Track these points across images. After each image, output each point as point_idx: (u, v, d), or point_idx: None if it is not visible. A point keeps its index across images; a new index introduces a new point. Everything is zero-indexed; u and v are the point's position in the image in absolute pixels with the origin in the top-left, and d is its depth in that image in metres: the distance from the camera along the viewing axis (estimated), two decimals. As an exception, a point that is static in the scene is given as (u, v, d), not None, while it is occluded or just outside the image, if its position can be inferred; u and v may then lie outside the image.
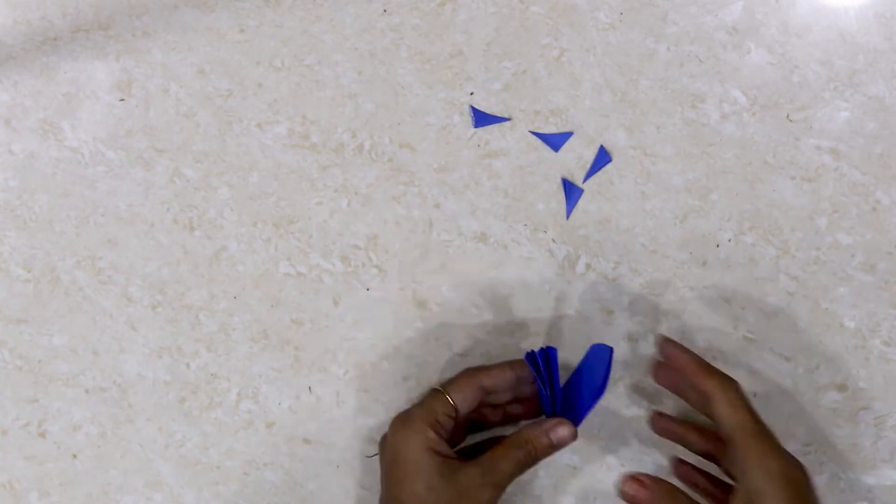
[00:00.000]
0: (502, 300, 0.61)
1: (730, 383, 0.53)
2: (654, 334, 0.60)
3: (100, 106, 0.65)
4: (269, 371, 0.62)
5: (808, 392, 0.60)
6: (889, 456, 0.60)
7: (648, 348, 0.61)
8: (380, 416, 0.62)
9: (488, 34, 0.63)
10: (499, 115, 0.63)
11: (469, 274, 0.62)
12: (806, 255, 0.61)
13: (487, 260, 0.62)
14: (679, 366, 0.55)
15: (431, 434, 0.54)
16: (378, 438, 0.62)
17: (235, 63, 0.64)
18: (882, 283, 0.60)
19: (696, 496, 0.53)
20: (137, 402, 0.63)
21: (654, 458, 0.60)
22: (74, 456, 0.63)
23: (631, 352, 0.61)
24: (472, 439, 0.59)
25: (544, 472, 0.61)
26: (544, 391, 0.55)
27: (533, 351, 0.56)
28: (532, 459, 0.55)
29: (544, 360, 0.56)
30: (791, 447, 0.59)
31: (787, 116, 0.61)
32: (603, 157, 0.62)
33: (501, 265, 0.62)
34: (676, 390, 0.56)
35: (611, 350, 0.56)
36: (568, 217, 0.62)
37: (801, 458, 0.59)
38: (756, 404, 0.60)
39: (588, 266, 0.61)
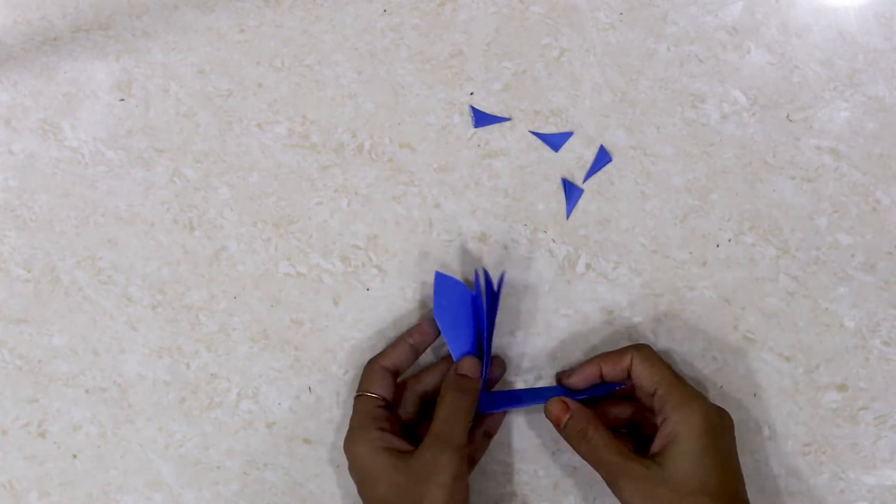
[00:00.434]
0: (502, 300, 0.61)
1: (642, 346, 0.56)
2: (654, 334, 0.60)
3: (100, 106, 0.65)
4: (269, 371, 0.62)
5: (808, 392, 0.60)
6: (889, 456, 0.60)
7: (648, 348, 0.61)
8: (380, 416, 0.62)
9: (488, 34, 0.63)
10: (499, 115, 0.63)
11: (469, 274, 0.62)
12: (806, 255, 0.61)
13: (487, 260, 0.62)
14: (588, 373, 0.57)
15: (373, 433, 0.55)
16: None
17: (235, 63, 0.64)
18: (882, 283, 0.60)
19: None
20: (137, 402, 0.63)
21: (654, 458, 0.60)
22: (74, 456, 0.63)
23: (631, 352, 0.61)
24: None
25: (544, 472, 0.61)
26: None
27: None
28: (458, 402, 0.55)
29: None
30: (791, 447, 0.59)
31: (787, 116, 0.61)
32: (603, 157, 0.62)
33: (501, 265, 0.62)
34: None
35: (477, 273, 0.59)
36: (568, 217, 0.62)
37: (800, 458, 0.59)
38: (756, 404, 0.60)
39: (588, 266, 0.61)
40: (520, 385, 0.61)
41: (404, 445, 0.55)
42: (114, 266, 0.63)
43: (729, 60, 0.62)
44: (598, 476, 0.59)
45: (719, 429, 0.54)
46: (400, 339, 0.59)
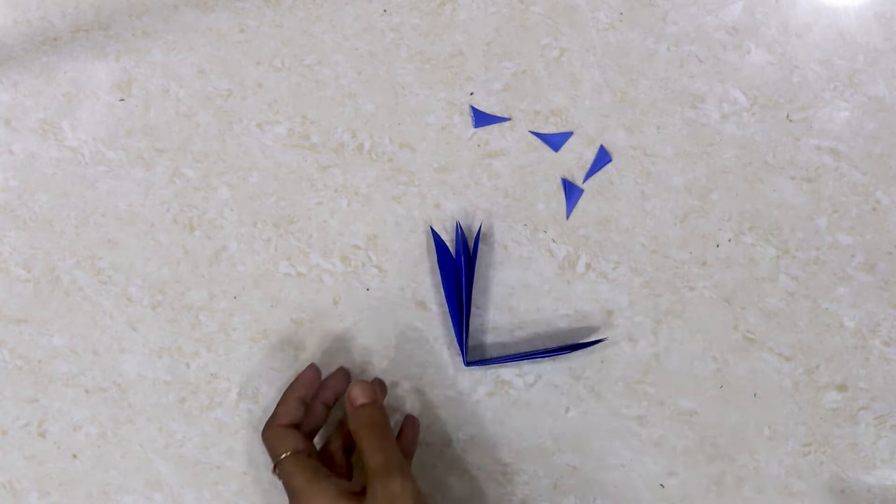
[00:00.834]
0: (502, 300, 0.61)
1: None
2: (654, 334, 0.60)
3: (100, 106, 0.65)
4: (269, 371, 0.62)
5: (808, 392, 0.60)
6: (889, 456, 0.60)
7: (648, 348, 0.61)
8: (380, 416, 0.62)
9: (488, 34, 0.63)
10: (499, 115, 0.63)
11: (469, 274, 0.62)
12: (806, 255, 0.61)
13: (487, 260, 0.62)
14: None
15: (324, 484, 0.52)
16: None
17: (235, 63, 0.64)
18: (882, 283, 0.60)
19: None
20: (137, 402, 0.63)
21: (654, 458, 0.60)
22: (74, 456, 0.63)
23: (631, 352, 0.61)
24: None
25: (544, 472, 0.61)
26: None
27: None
28: (373, 432, 0.53)
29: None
30: (791, 447, 0.59)
31: (787, 116, 0.61)
32: (603, 157, 0.62)
33: (501, 265, 0.62)
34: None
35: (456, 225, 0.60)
36: (568, 217, 0.62)
37: (800, 458, 0.59)
38: (756, 404, 0.60)
39: (588, 266, 0.61)
40: (520, 385, 0.61)
41: (351, 485, 0.52)
42: (114, 266, 0.63)
43: (729, 60, 0.62)
44: (598, 476, 0.59)
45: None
46: (286, 396, 0.57)
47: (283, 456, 0.54)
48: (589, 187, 0.62)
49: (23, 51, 0.65)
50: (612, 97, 0.62)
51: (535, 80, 0.63)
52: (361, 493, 0.51)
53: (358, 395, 0.54)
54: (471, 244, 0.61)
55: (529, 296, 0.61)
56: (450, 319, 0.59)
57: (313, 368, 0.59)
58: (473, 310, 0.62)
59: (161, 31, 0.65)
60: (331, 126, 0.63)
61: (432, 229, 0.61)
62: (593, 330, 0.61)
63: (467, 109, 0.63)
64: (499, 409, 0.60)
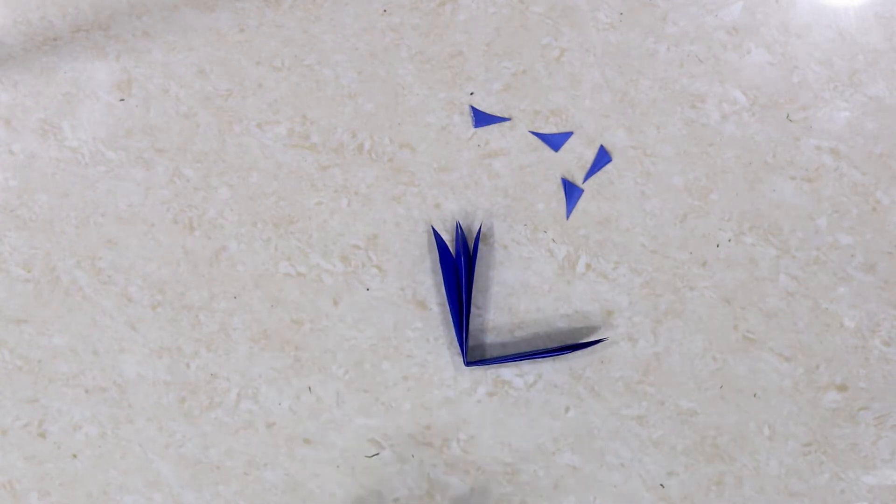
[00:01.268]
0: (502, 300, 0.61)
1: None
2: (654, 334, 0.60)
3: (100, 106, 0.65)
4: (269, 371, 0.62)
5: (808, 392, 0.60)
6: (889, 456, 0.60)
7: (648, 348, 0.61)
8: (380, 416, 0.62)
9: (488, 34, 0.63)
10: (499, 115, 0.63)
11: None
12: (806, 255, 0.61)
13: (487, 260, 0.62)
14: None
15: None
16: (378, 439, 0.62)
17: (235, 63, 0.64)
18: (882, 283, 0.60)
19: None
20: (137, 402, 0.63)
21: (654, 458, 0.60)
22: (74, 456, 0.63)
23: (631, 352, 0.61)
24: None
25: (544, 472, 0.61)
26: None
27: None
28: None
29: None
30: (791, 447, 0.59)
31: (787, 116, 0.61)
32: (603, 157, 0.62)
33: (501, 265, 0.62)
34: None
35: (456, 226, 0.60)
36: (568, 217, 0.62)
37: (800, 458, 0.59)
38: (756, 404, 0.60)
39: (588, 266, 0.61)
40: (520, 385, 0.61)
41: None
42: (114, 266, 0.63)
43: (729, 60, 0.62)
44: (598, 476, 0.59)
45: None
46: None
47: None
48: (589, 187, 0.62)
49: (23, 51, 0.65)
50: (612, 97, 0.62)
51: (535, 80, 0.63)
52: None
53: None
54: (471, 244, 0.61)
55: (529, 296, 0.61)
56: (450, 319, 0.59)
57: None
58: (473, 310, 0.62)
59: (161, 31, 0.65)
60: (331, 126, 0.63)
61: (433, 229, 0.61)
62: (593, 330, 0.61)
63: (467, 109, 0.63)
64: (499, 409, 0.60)
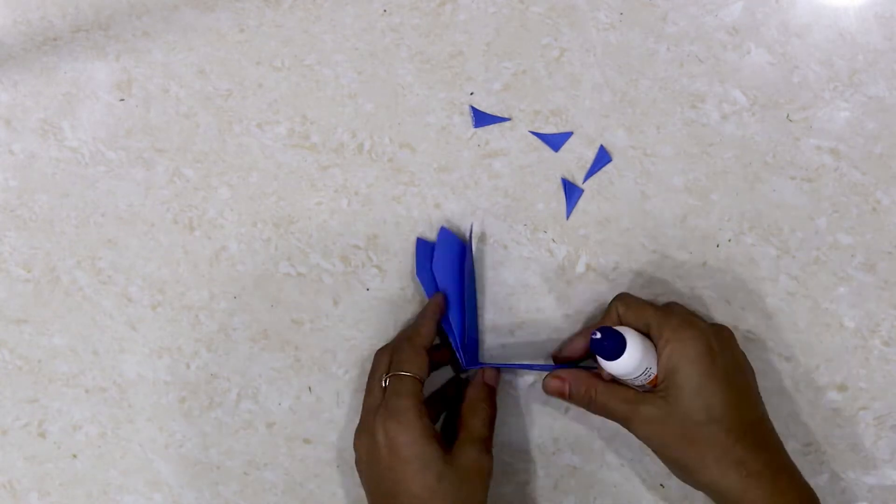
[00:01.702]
0: (502, 300, 0.61)
1: (622, 295, 0.56)
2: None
3: (100, 106, 0.65)
4: (269, 371, 0.62)
5: (808, 392, 0.60)
6: (889, 456, 0.60)
7: (648, 348, 0.61)
8: (380, 416, 0.62)
9: (488, 34, 0.63)
10: (499, 115, 0.63)
11: (469, 274, 0.62)
12: (806, 255, 0.61)
13: (487, 260, 0.62)
14: (577, 345, 0.58)
15: (426, 421, 0.53)
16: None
17: (235, 63, 0.64)
18: (882, 283, 0.60)
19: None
20: (137, 402, 0.63)
21: (654, 458, 0.60)
22: (74, 456, 0.63)
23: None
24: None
25: (544, 473, 0.61)
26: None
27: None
28: (490, 410, 0.57)
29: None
30: (791, 447, 0.59)
31: (787, 116, 0.61)
32: (603, 157, 0.62)
33: (501, 265, 0.62)
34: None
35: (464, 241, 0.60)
36: (568, 217, 0.62)
37: (800, 458, 0.59)
38: (756, 404, 0.60)
39: (588, 266, 0.61)
40: (520, 385, 0.61)
41: (440, 436, 0.54)
42: (114, 266, 0.63)
43: (729, 60, 0.62)
44: (598, 476, 0.59)
45: (716, 349, 0.53)
46: (427, 318, 0.58)
47: (407, 375, 0.54)
48: (589, 187, 0.62)
49: (23, 51, 0.65)
50: (612, 97, 0.62)
51: (535, 80, 0.63)
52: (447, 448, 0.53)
53: (490, 377, 0.58)
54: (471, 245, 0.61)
55: (529, 296, 0.61)
56: (451, 321, 0.59)
57: (444, 298, 0.59)
58: (473, 310, 0.62)
59: (161, 31, 0.65)
60: (331, 126, 0.63)
61: (444, 228, 0.61)
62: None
63: (467, 109, 0.63)
64: (499, 409, 0.60)
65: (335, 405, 0.62)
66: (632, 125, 0.62)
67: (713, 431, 0.51)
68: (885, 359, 0.60)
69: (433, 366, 0.58)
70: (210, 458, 0.62)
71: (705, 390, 0.51)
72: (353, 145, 0.63)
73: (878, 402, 0.60)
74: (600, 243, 0.61)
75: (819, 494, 0.59)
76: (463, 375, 0.61)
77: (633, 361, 0.52)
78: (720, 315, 0.60)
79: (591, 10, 0.63)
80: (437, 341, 0.59)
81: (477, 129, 0.63)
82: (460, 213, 0.62)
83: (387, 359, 0.56)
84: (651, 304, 0.55)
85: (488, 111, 0.63)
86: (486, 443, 0.55)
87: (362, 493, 0.61)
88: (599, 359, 0.53)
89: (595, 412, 0.55)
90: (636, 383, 0.54)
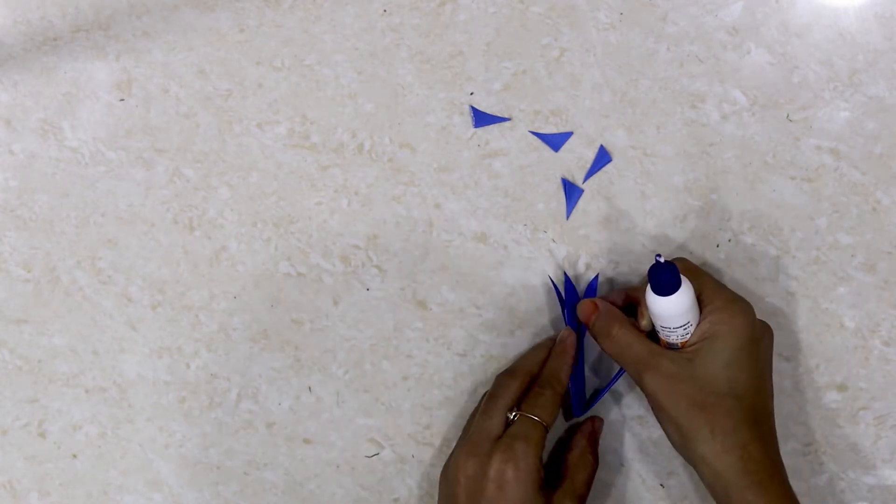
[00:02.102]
0: (502, 300, 0.61)
1: (681, 259, 0.56)
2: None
3: (100, 106, 0.65)
4: (269, 371, 0.62)
5: (808, 392, 0.60)
6: (889, 456, 0.60)
7: (648, 348, 0.60)
8: (380, 416, 0.62)
9: (488, 34, 0.63)
10: (499, 115, 0.63)
11: (469, 274, 0.62)
12: (806, 255, 0.61)
13: (487, 260, 0.62)
14: (623, 295, 0.57)
15: (541, 470, 0.53)
16: (378, 439, 0.62)
17: (235, 63, 0.64)
18: (882, 283, 0.60)
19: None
20: (137, 402, 0.63)
21: (654, 458, 0.60)
22: (74, 456, 0.63)
23: (631, 352, 0.61)
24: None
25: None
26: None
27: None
28: (595, 469, 0.57)
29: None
30: (791, 447, 0.59)
31: (787, 116, 0.61)
32: (603, 157, 0.62)
33: (501, 265, 0.62)
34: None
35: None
36: (568, 217, 0.62)
37: (800, 458, 0.59)
38: (756, 404, 0.60)
39: (588, 266, 0.61)
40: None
41: (543, 484, 0.53)
42: (114, 266, 0.63)
43: (729, 60, 0.62)
44: (598, 476, 0.59)
45: (759, 337, 0.53)
46: (566, 363, 0.57)
47: (538, 421, 0.54)
48: (589, 187, 0.62)
49: (23, 51, 0.65)
50: (612, 97, 0.62)
51: (535, 80, 0.63)
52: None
53: (600, 430, 0.59)
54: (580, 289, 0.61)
55: (529, 296, 0.61)
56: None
57: (576, 340, 0.58)
58: (474, 310, 0.62)
59: (161, 31, 0.65)
60: (331, 126, 0.63)
61: (552, 281, 0.61)
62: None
63: (467, 109, 0.63)
64: (499, 409, 0.59)
65: (335, 405, 0.62)
66: (632, 125, 0.62)
67: (729, 405, 0.50)
68: (885, 359, 0.60)
69: None
70: (210, 458, 0.62)
71: (736, 364, 0.51)
72: (353, 145, 0.63)
73: (878, 402, 0.60)
74: (600, 243, 0.61)
75: (819, 494, 0.59)
76: (568, 421, 0.61)
77: (682, 305, 0.51)
78: (720, 315, 0.60)
79: (591, 10, 0.63)
80: None
81: (477, 129, 0.63)
82: (460, 212, 0.62)
83: (514, 388, 0.56)
84: (710, 276, 0.55)
85: (488, 111, 0.63)
86: (583, 499, 0.55)
87: (362, 493, 0.61)
88: (648, 295, 0.52)
89: (611, 351, 0.54)
90: (669, 337, 0.53)
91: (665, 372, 0.52)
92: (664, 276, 0.51)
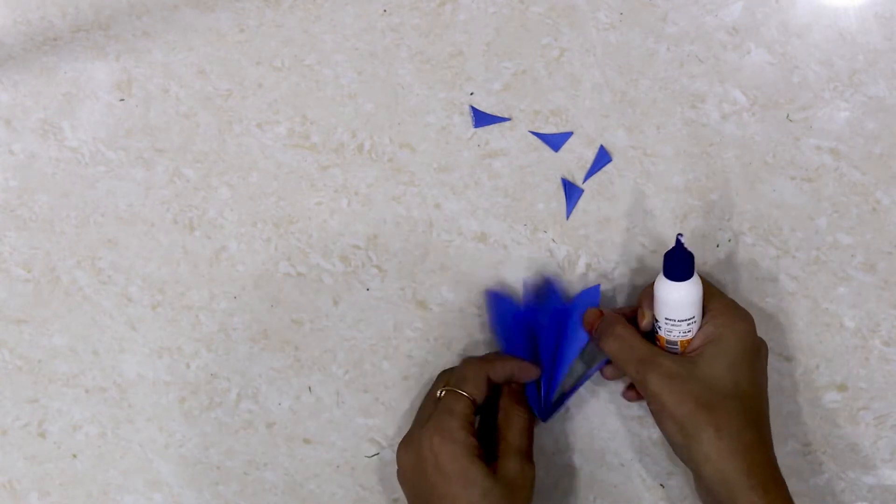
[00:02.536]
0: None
1: None
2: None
3: (100, 106, 0.65)
4: (269, 371, 0.62)
5: (808, 392, 0.60)
6: (889, 456, 0.60)
7: (648, 348, 0.60)
8: (380, 416, 0.62)
9: (488, 34, 0.63)
10: (499, 115, 0.63)
11: (469, 274, 0.62)
12: (806, 255, 0.61)
13: (487, 260, 0.62)
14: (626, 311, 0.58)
15: (472, 439, 0.53)
16: (378, 439, 0.62)
17: (235, 63, 0.64)
18: (882, 283, 0.60)
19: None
20: (137, 402, 0.63)
21: (654, 458, 0.60)
22: (74, 456, 0.63)
23: (631, 352, 0.61)
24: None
25: (544, 473, 0.61)
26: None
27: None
28: (527, 415, 0.56)
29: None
30: (791, 447, 0.59)
31: (787, 116, 0.61)
32: (603, 157, 0.62)
33: (501, 265, 0.62)
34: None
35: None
36: (568, 217, 0.62)
37: (800, 458, 0.59)
38: (756, 404, 0.60)
39: (588, 266, 0.61)
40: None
41: (482, 453, 0.54)
42: (114, 266, 0.63)
43: (729, 60, 0.62)
44: (598, 476, 0.59)
45: (759, 348, 0.54)
46: (508, 358, 0.57)
47: (462, 393, 0.54)
48: (589, 187, 0.62)
49: (23, 51, 0.65)
50: (612, 97, 0.62)
51: (535, 80, 0.63)
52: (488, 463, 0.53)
53: (524, 377, 0.57)
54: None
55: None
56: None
57: (517, 363, 0.57)
58: (474, 309, 0.62)
59: (161, 31, 0.65)
60: (331, 126, 0.63)
61: (490, 292, 0.61)
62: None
63: (467, 109, 0.63)
64: (499, 409, 0.59)
65: (335, 405, 0.62)
66: (632, 125, 0.62)
67: (735, 405, 0.50)
68: (885, 359, 0.60)
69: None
70: (210, 458, 0.62)
71: (739, 367, 0.51)
72: (353, 145, 0.63)
73: (878, 402, 0.60)
74: (600, 243, 0.61)
75: (819, 494, 0.59)
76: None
77: (691, 295, 0.52)
78: (720, 315, 0.60)
79: (591, 10, 0.63)
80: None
81: (477, 129, 0.63)
82: (460, 212, 0.62)
83: (450, 375, 0.57)
84: (716, 288, 0.56)
85: (488, 111, 0.63)
86: (527, 453, 0.55)
87: (362, 493, 0.61)
88: (659, 283, 0.52)
89: (612, 351, 0.54)
90: (671, 333, 0.53)
91: (669, 372, 0.52)
92: (682, 259, 0.51)
